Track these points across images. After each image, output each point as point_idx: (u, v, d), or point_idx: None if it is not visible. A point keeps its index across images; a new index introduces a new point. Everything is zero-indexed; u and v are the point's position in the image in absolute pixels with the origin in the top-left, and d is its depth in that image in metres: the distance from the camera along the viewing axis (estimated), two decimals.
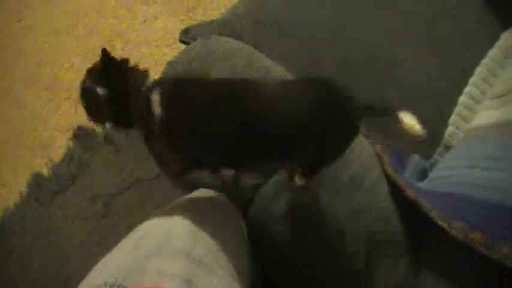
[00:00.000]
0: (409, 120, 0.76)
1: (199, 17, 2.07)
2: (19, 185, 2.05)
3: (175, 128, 0.79)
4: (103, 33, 2.22)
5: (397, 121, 0.77)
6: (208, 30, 1.13)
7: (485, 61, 1.19)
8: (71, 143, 2.04)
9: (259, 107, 0.75)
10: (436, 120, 1.12)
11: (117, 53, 2.11)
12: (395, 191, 0.90)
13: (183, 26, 1.21)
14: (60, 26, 2.39)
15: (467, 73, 1.17)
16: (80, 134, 2.04)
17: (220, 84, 0.81)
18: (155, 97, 0.77)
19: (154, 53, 2.05)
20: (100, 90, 0.81)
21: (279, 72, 0.99)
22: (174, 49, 2.02)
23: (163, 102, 0.77)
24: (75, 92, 2.11)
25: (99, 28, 2.26)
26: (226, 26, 1.15)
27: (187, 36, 1.15)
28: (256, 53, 1.03)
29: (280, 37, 1.16)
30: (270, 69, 0.98)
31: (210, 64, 0.97)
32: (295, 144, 0.75)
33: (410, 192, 0.87)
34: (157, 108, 0.77)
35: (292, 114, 0.74)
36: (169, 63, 1.04)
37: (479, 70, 1.18)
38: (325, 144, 0.75)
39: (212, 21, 1.18)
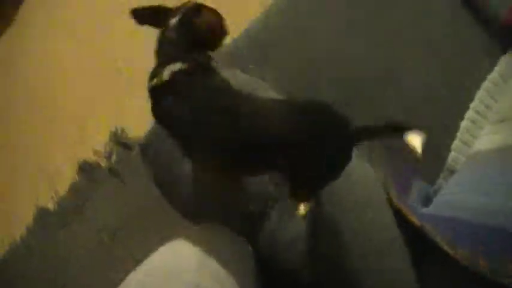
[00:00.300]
0: (414, 142, 0.77)
1: None
2: (24, 218, 2.06)
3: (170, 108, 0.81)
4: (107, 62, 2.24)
5: (402, 141, 0.77)
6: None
7: (486, 85, 1.20)
8: (76, 177, 2.05)
9: (255, 115, 0.77)
10: (438, 142, 1.13)
11: (118, 66, 2.14)
12: (400, 216, 0.91)
13: None
14: (62, 55, 2.42)
15: (468, 92, 1.19)
16: (85, 167, 2.05)
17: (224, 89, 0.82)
18: (176, 66, 0.80)
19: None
20: (172, 21, 0.84)
21: None
22: None
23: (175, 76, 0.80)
24: (76, 116, 2.13)
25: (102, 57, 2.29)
26: (228, 57, 1.18)
27: None
28: (261, 83, 1.05)
29: (280, 62, 1.19)
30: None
31: None
32: (288, 154, 0.76)
33: (414, 219, 0.88)
34: (166, 74, 0.80)
35: (284, 126, 0.75)
36: None
37: (480, 94, 1.19)
38: (318, 160, 0.76)
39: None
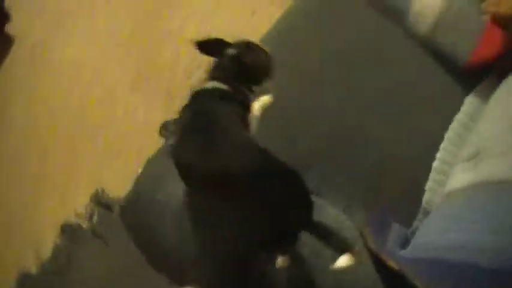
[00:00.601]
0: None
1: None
2: (7, 285, 2.04)
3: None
4: (85, 126, 2.26)
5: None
6: None
7: (453, 125, 1.24)
8: (58, 240, 2.04)
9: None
10: (413, 187, 1.16)
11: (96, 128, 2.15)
12: (379, 262, 0.92)
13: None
14: (42, 120, 2.43)
15: (440, 133, 1.23)
16: (66, 230, 2.04)
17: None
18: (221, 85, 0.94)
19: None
20: (229, 52, 0.98)
21: None
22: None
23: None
24: (56, 180, 2.14)
25: (80, 122, 2.31)
26: None
27: (165, 131, 1.18)
28: None
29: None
30: None
31: None
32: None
33: (393, 263, 0.89)
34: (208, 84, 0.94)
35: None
36: (149, 160, 1.08)
37: (448, 135, 1.23)
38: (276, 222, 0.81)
39: None
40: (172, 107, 2.12)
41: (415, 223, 1.11)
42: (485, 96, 1.25)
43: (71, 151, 2.22)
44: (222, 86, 0.94)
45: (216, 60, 0.99)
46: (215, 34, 1.07)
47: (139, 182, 1.08)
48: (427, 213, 1.11)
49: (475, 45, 1.29)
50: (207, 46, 1.00)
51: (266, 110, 1.20)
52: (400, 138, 1.21)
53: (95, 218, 2.00)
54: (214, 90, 0.94)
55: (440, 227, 0.98)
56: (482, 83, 1.31)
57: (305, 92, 1.26)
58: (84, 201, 2.03)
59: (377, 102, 1.25)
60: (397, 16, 1.35)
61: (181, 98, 2.11)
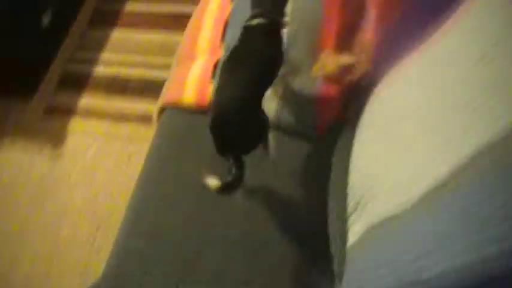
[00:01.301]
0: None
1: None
2: None
3: None
4: None
5: None
6: None
7: (330, 189, 1.33)
8: None
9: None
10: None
11: None
12: None
13: None
14: None
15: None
16: None
17: None
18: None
19: None
20: None
21: None
22: None
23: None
24: None
25: None
26: (107, 283, 1.21)
27: None
28: None
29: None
30: None
31: None
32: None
33: None
34: None
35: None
36: None
37: (330, 197, 1.31)
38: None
39: (94, 284, 1.22)
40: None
41: None
42: (345, 149, 1.34)
43: None
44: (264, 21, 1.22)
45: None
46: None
47: None
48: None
49: (317, 114, 1.42)
50: None
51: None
52: (292, 219, 1.29)
53: None
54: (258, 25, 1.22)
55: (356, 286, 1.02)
56: (339, 139, 1.41)
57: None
58: None
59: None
60: None
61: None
